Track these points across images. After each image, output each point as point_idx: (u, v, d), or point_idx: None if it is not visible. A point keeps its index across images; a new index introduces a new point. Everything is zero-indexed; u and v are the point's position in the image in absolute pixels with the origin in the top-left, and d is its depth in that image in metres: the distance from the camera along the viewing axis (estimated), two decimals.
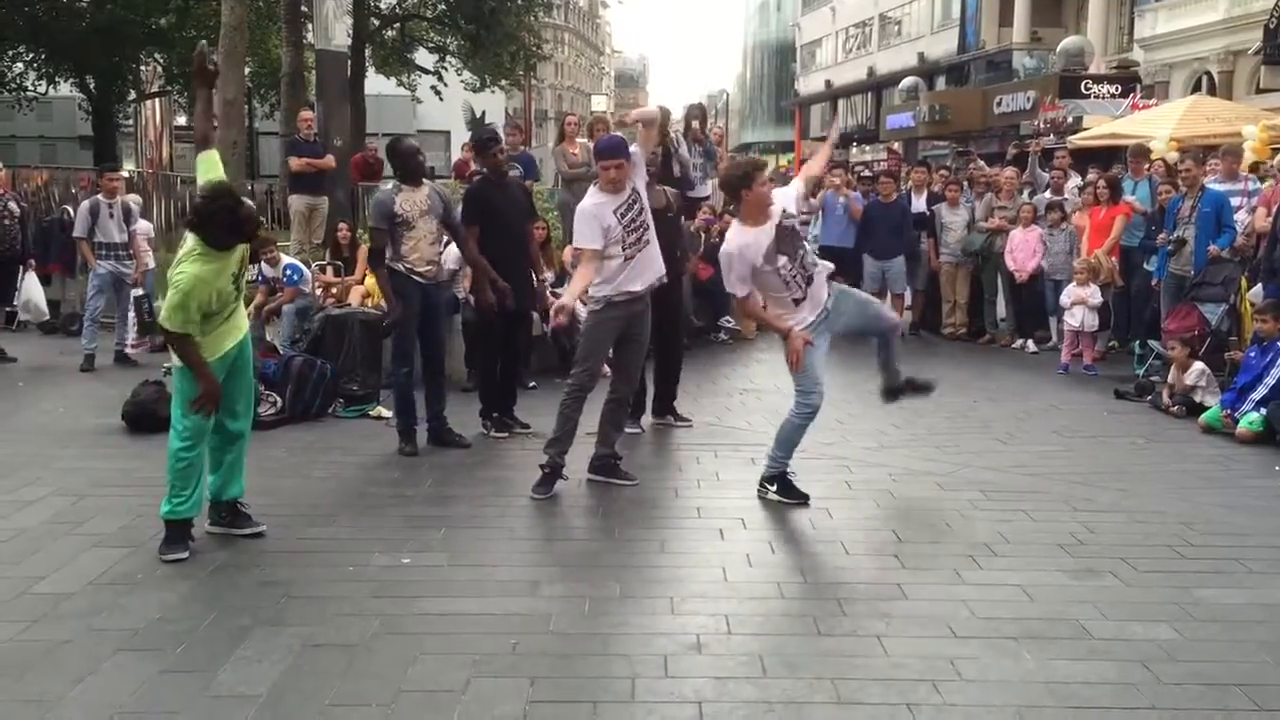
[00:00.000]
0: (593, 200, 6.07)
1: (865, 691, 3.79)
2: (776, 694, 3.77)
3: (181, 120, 32.33)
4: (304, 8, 18.52)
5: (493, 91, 30.51)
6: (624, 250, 6.04)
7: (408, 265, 6.83)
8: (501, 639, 4.19)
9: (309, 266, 10.29)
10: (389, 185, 7.04)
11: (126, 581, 4.79)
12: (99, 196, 10.65)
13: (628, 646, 4.15)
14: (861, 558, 5.19)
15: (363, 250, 10.78)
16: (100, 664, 3.97)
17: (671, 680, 3.88)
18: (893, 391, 6.52)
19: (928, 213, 12.47)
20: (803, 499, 5.97)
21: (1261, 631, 4.32)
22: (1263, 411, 7.44)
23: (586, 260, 6.07)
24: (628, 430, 7.54)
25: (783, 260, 5.75)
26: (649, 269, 6.21)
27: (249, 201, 5.26)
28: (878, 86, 44.68)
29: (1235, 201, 9.95)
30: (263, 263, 9.80)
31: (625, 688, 3.81)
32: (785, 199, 5.92)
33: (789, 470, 6.09)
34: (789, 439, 6.03)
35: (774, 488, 6.05)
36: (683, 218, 11.92)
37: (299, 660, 4.01)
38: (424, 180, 7.00)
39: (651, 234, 6.20)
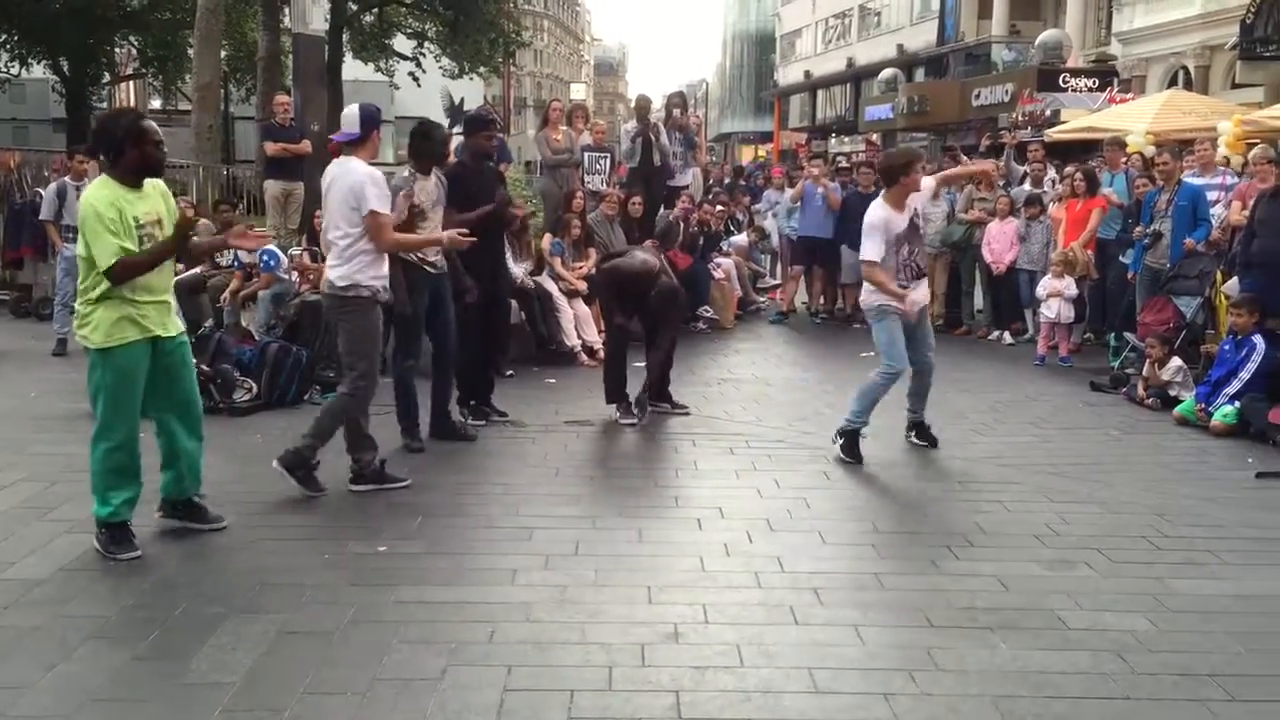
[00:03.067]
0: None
1: (842, 681, 3.80)
2: (753, 683, 3.77)
3: (156, 103, 32.03)
4: None
5: (471, 78, 30.40)
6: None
7: (420, 256, 6.63)
8: (478, 627, 4.17)
9: (285, 251, 10.21)
10: (405, 174, 6.71)
11: (99, 568, 4.75)
12: (66, 179, 10.56)
13: (605, 635, 4.14)
14: (839, 547, 5.19)
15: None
16: (72, 651, 3.93)
17: (649, 669, 3.87)
18: (917, 426, 7.08)
19: None
20: (858, 460, 6.56)
21: (1234, 622, 4.35)
22: (1237, 405, 7.49)
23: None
24: (624, 421, 7.53)
25: (905, 249, 6.55)
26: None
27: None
28: (857, 78, 44.71)
29: (1212, 195, 10.01)
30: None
31: (602, 676, 3.80)
32: (918, 198, 6.66)
33: (863, 430, 6.68)
34: (868, 396, 6.66)
35: (841, 441, 6.63)
36: (662, 207, 11.98)
37: (274, 648, 3.97)
38: (432, 169, 6.78)
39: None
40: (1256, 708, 3.66)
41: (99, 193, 4.78)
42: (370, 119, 5.89)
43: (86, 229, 4.74)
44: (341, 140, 5.98)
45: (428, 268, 6.68)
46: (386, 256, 5.95)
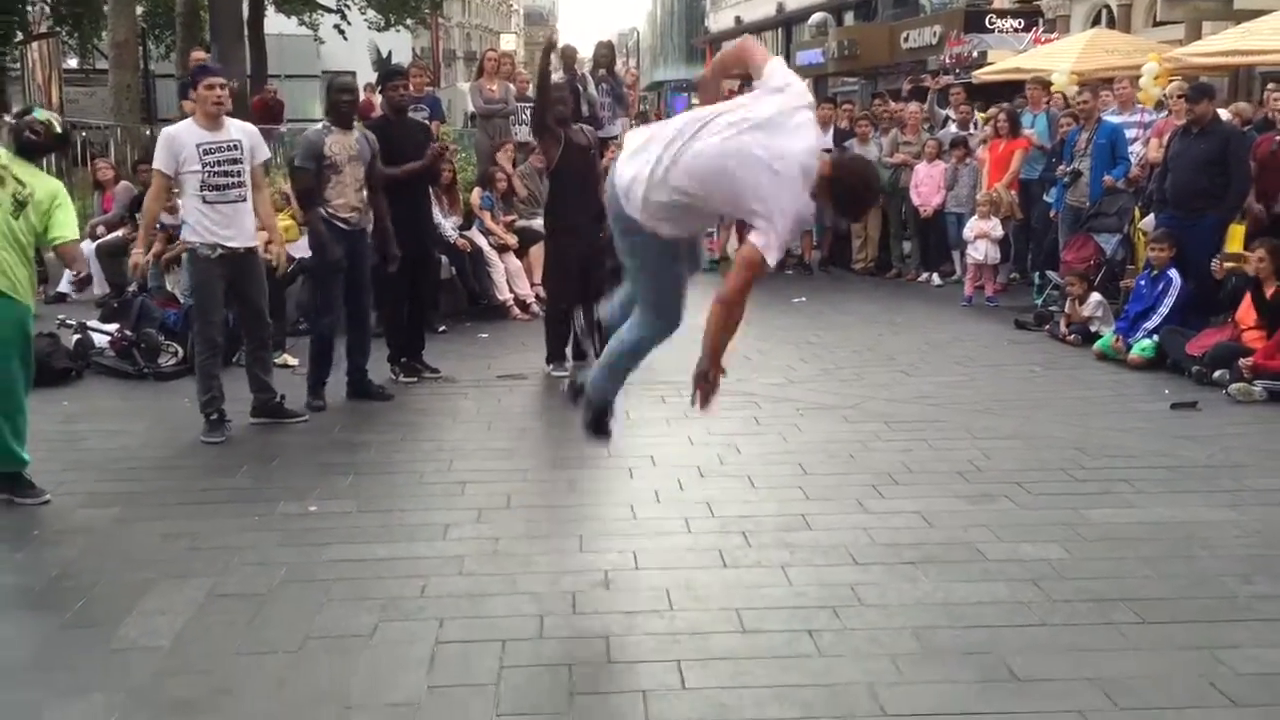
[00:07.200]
0: (182, 127, 6.13)
1: (768, 620, 3.88)
2: (682, 625, 3.85)
3: (72, 63, 31.06)
4: None
5: (398, 30, 29.83)
6: (202, 191, 6.00)
7: (330, 210, 6.62)
8: (410, 583, 4.20)
9: None
10: (319, 125, 6.85)
11: (23, 537, 4.69)
12: None
13: (536, 585, 4.18)
14: (767, 490, 5.27)
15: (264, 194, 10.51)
16: None
17: (579, 616, 3.93)
18: None
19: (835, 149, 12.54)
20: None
21: (1146, 548, 4.50)
22: (1155, 338, 7.67)
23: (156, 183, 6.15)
24: (555, 373, 7.50)
25: None
26: (235, 227, 6.11)
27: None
28: (787, 22, 44.52)
29: (1131, 133, 10.17)
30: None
31: (534, 626, 3.85)
32: None
33: None
34: None
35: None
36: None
37: (203, 611, 3.97)
38: (354, 124, 6.82)
39: (245, 193, 6.13)
40: (1164, 629, 3.81)
41: None
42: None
43: None
44: None
45: (339, 224, 6.65)
46: (209, 213, 6.03)
